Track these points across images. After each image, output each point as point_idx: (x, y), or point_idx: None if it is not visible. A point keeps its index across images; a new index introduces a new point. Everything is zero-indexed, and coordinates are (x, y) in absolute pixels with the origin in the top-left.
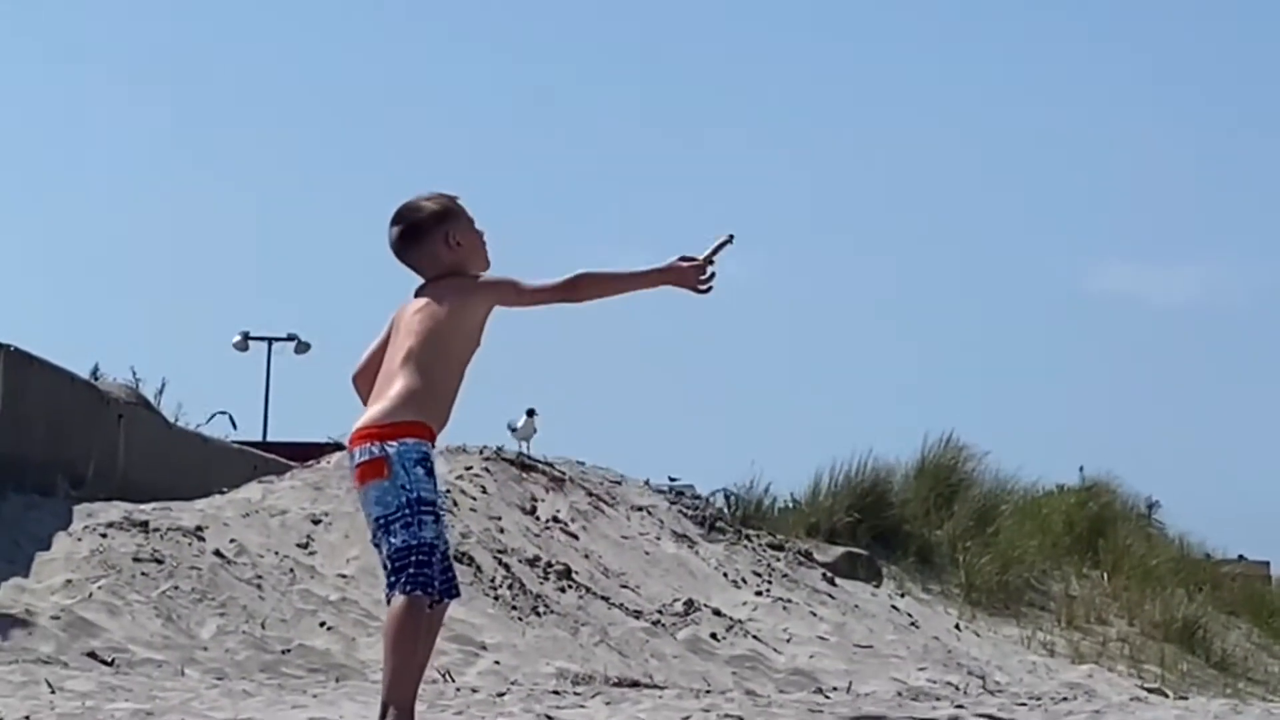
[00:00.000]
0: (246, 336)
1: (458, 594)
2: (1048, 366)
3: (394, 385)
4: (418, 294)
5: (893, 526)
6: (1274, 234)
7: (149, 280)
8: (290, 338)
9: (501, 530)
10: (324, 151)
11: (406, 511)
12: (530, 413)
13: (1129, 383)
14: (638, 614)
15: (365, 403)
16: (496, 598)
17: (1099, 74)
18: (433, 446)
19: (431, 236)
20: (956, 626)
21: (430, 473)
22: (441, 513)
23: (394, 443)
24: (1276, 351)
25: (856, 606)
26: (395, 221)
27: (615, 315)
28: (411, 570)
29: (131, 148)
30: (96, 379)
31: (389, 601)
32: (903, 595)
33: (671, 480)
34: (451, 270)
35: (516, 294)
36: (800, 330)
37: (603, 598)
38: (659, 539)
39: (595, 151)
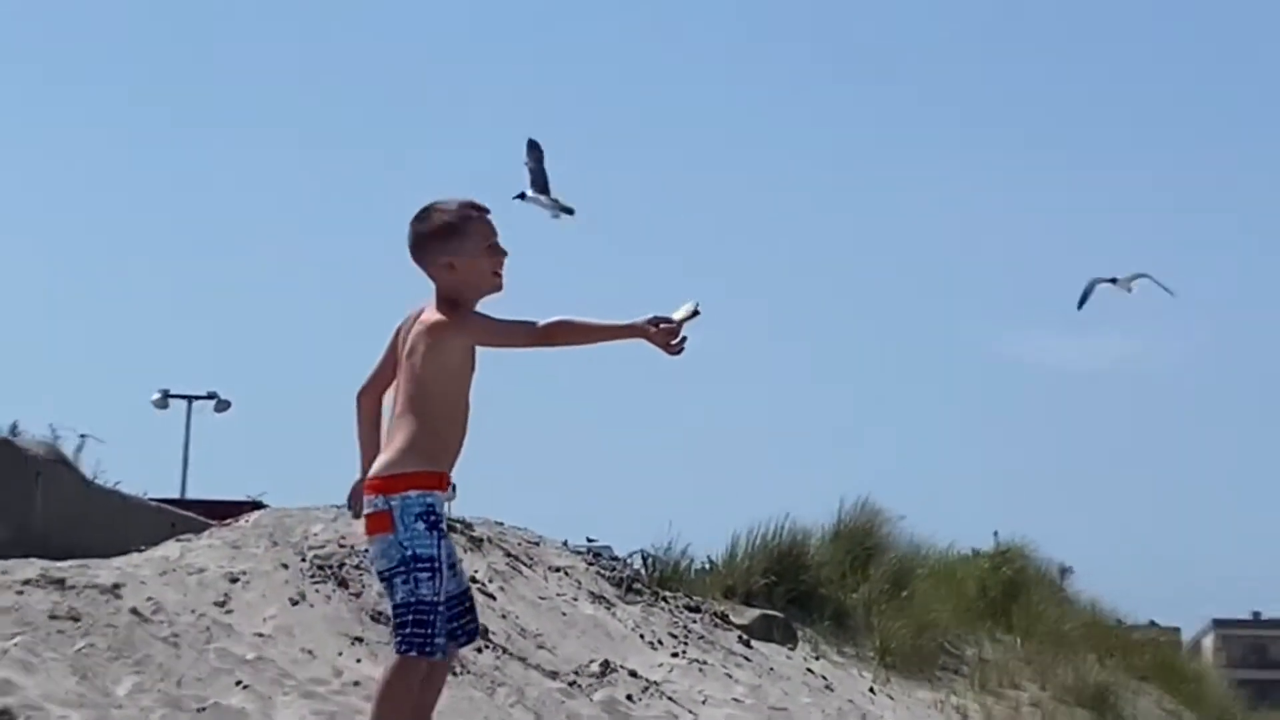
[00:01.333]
0: (166, 394)
1: (473, 637)
2: (963, 431)
3: (397, 434)
4: (421, 314)
5: (809, 590)
6: (1192, 304)
7: (68, 336)
8: (210, 396)
9: None
10: (246, 208)
11: (403, 568)
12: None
13: (1043, 449)
14: (554, 674)
15: (361, 422)
16: None
17: (1012, 143)
18: (442, 493)
19: (430, 255)
20: (871, 690)
21: (432, 526)
22: (442, 566)
23: (397, 496)
24: (1190, 419)
25: (772, 669)
26: (410, 224)
27: (537, 374)
28: (409, 630)
29: (52, 201)
30: (15, 436)
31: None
32: (818, 658)
33: (589, 541)
34: (448, 294)
35: (491, 335)
36: (718, 393)
37: (519, 658)
38: (576, 600)
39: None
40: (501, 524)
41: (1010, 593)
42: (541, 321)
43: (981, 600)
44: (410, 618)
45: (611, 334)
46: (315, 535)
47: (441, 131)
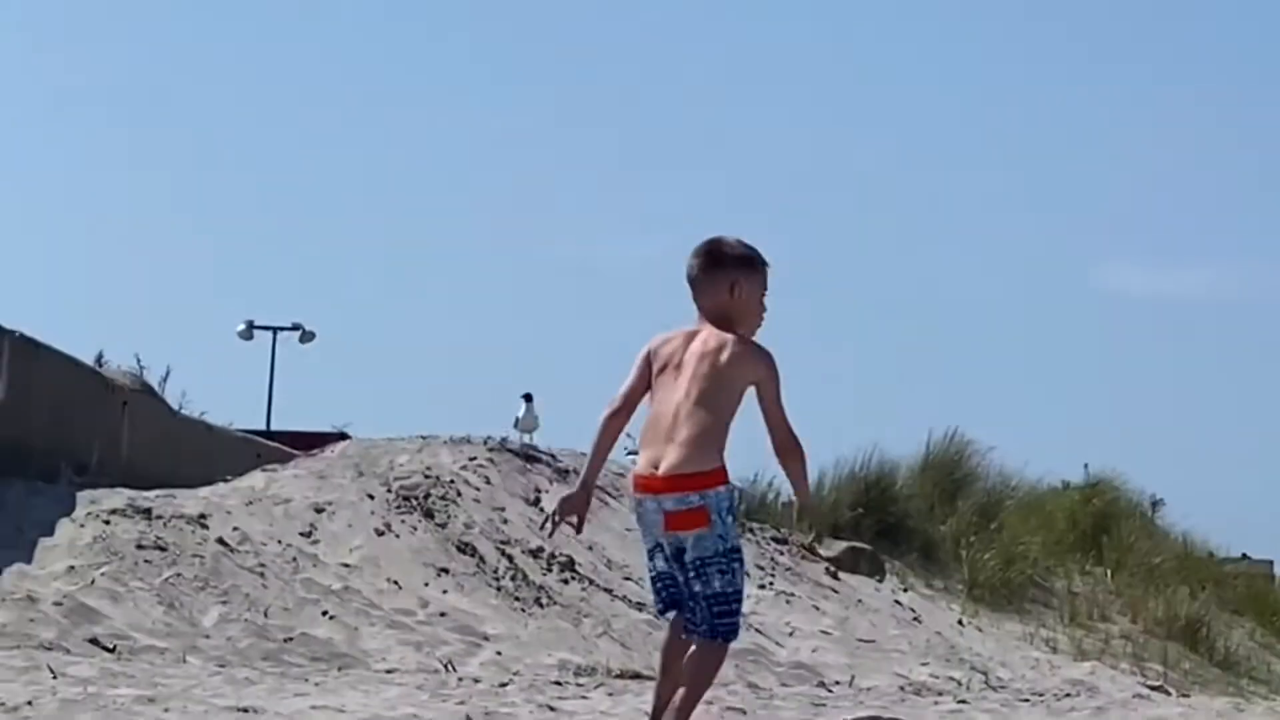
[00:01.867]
0: (251, 325)
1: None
2: (1053, 364)
3: (692, 429)
4: (693, 334)
5: (896, 522)
6: (1273, 232)
7: (154, 268)
8: (295, 327)
9: (505, 521)
10: (329, 142)
11: (723, 560)
12: (527, 398)
13: (1134, 380)
14: (640, 606)
15: (605, 439)
16: (499, 589)
17: (1105, 78)
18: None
19: (724, 275)
20: (959, 622)
21: (736, 518)
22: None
23: (711, 492)
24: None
25: (859, 601)
26: (705, 248)
27: (614, 305)
28: (727, 619)
29: (136, 138)
30: (101, 366)
31: (686, 632)
32: (906, 590)
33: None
34: (724, 316)
35: (775, 398)
36: (807, 324)
37: (606, 590)
38: None
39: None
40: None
41: (1100, 525)
42: (796, 436)
43: (1071, 533)
44: (729, 607)
45: (799, 487)
46: (401, 466)
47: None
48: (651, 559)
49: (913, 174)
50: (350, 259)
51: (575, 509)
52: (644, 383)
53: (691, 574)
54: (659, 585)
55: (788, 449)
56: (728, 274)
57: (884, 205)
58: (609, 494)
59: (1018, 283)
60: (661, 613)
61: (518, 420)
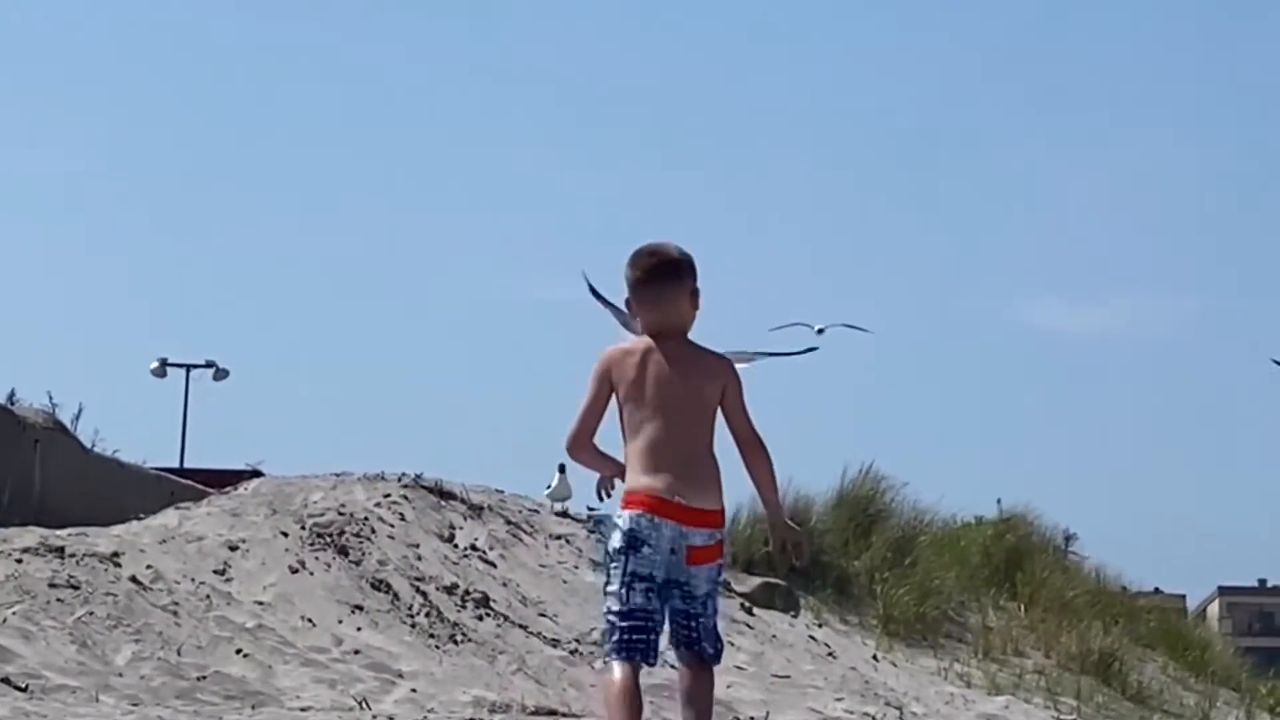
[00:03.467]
0: (164, 363)
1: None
2: (967, 399)
3: (711, 464)
4: (670, 352)
5: (811, 557)
6: (1194, 269)
7: (68, 306)
8: (208, 365)
9: (419, 558)
10: (242, 182)
11: (720, 589)
12: (561, 469)
13: (1048, 415)
14: (555, 642)
15: (590, 460)
16: (414, 625)
17: (1025, 117)
18: None
19: (685, 285)
20: (874, 657)
21: None
22: None
23: (723, 529)
24: (1193, 385)
25: (774, 636)
26: (652, 254)
27: (527, 342)
28: (720, 642)
29: (47, 177)
30: (13, 404)
31: (690, 656)
32: (820, 626)
33: (590, 510)
34: (681, 326)
35: (732, 410)
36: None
37: (520, 626)
38: (577, 567)
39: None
40: (502, 492)
41: (1014, 560)
42: (760, 440)
43: (985, 567)
44: (721, 629)
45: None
46: (315, 503)
47: (430, 114)
48: (629, 593)
49: (829, 208)
50: (264, 297)
51: (618, 473)
52: (603, 404)
53: (700, 605)
54: (633, 624)
55: (762, 451)
56: (686, 284)
57: (802, 237)
58: (523, 530)
59: (935, 317)
60: (629, 658)
61: (550, 488)
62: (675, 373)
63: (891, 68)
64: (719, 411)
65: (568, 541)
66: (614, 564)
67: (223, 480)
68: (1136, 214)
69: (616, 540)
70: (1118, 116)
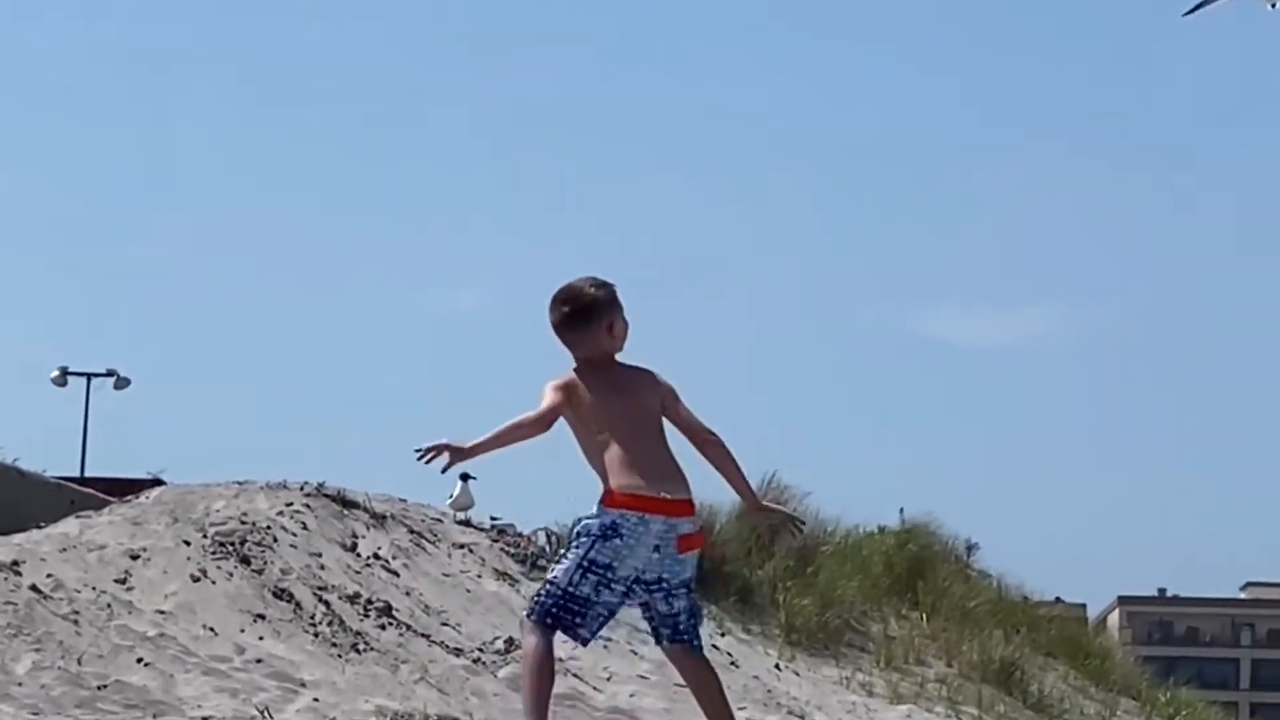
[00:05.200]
0: (65, 372)
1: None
2: (871, 408)
3: (677, 466)
4: (607, 376)
5: (713, 567)
6: (1097, 282)
7: None
8: (110, 373)
9: (322, 567)
10: (144, 191)
11: (695, 579)
12: (464, 478)
13: (950, 425)
14: (458, 651)
15: (510, 440)
16: (316, 634)
17: (934, 128)
18: None
19: (598, 322)
20: (776, 666)
21: None
22: None
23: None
24: (1094, 396)
25: None
26: (565, 301)
27: (433, 352)
28: (700, 625)
29: None
30: None
31: (676, 645)
32: (723, 635)
33: (493, 519)
34: (606, 355)
35: (674, 411)
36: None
37: (423, 635)
38: (480, 577)
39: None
40: (405, 501)
41: (916, 569)
42: (710, 428)
43: (887, 577)
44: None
45: (742, 489)
46: (217, 512)
47: (347, 116)
48: (601, 591)
49: (738, 221)
50: (166, 306)
51: (453, 455)
52: (555, 415)
53: (681, 593)
54: (596, 615)
55: (717, 440)
56: (601, 321)
57: (709, 248)
58: (426, 539)
59: (837, 327)
60: (585, 641)
61: (452, 497)
62: (619, 391)
63: (799, 79)
64: (667, 416)
65: (471, 550)
66: (577, 544)
67: (124, 489)
68: (1041, 227)
69: (594, 527)
70: (1028, 128)
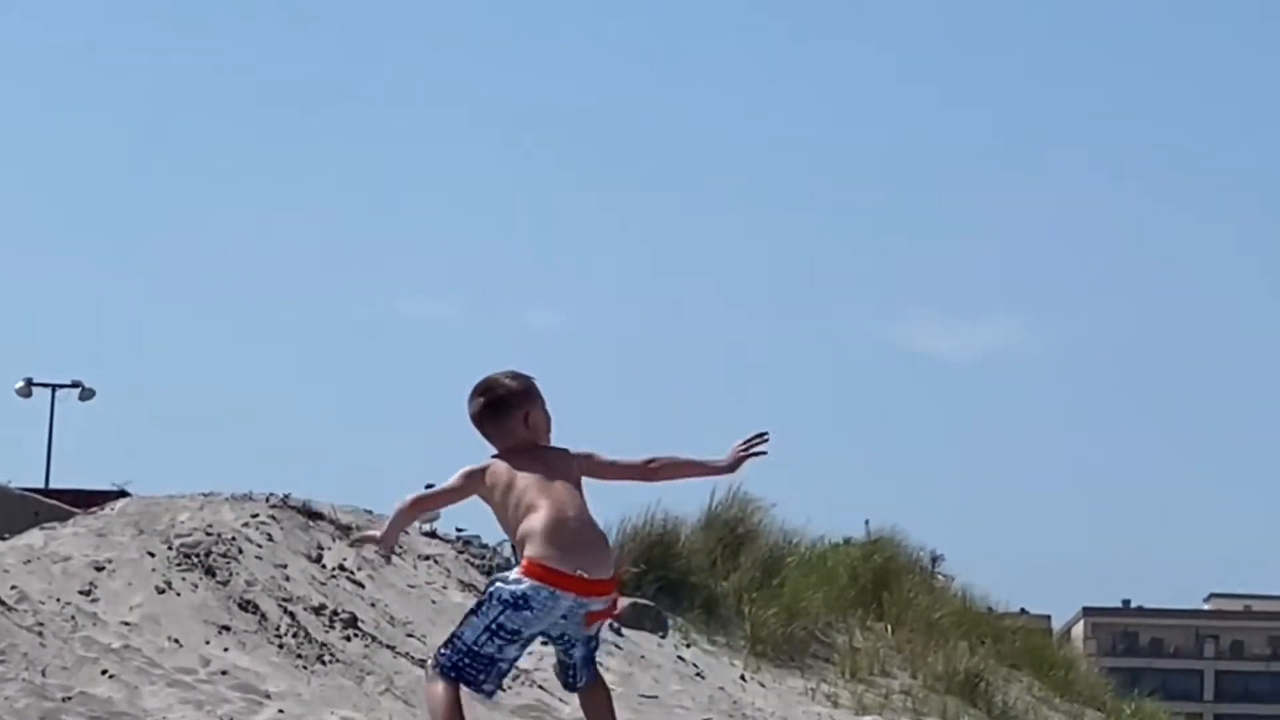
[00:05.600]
0: (30, 383)
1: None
2: (837, 419)
3: (603, 541)
4: (528, 457)
5: (679, 578)
6: (1062, 295)
7: None
8: (75, 385)
9: (287, 578)
10: (109, 203)
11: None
12: (429, 489)
13: (916, 437)
14: (423, 663)
15: (410, 521)
16: (281, 646)
17: (907, 138)
18: None
19: (513, 414)
20: (742, 678)
21: None
22: None
23: (616, 592)
24: (1060, 408)
25: (642, 657)
26: (481, 394)
27: (399, 362)
28: (596, 657)
29: None
30: None
31: (583, 687)
32: (689, 646)
33: (459, 530)
34: (529, 442)
35: (602, 470)
36: (587, 376)
37: (389, 646)
38: (445, 588)
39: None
40: (370, 512)
41: (881, 581)
42: (640, 458)
43: (852, 588)
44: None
45: (705, 470)
46: (182, 523)
47: (311, 122)
48: (505, 649)
49: (706, 227)
50: (131, 317)
51: (381, 549)
52: (457, 497)
53: (591, 647)
54: (499, 670)
55: (651, 467)
56: (515, 413)
57: (687, 257)
58: (392, 551)
59: (805, 336)
60: (491, 694)
61: None
62: (544, 469)
63: (776, 92)
64: (598, 477)
65: (436, 562)
66: (488, 606)
67: (89, 500)
68: (1010, 240)
69: (506, 594)
70: (1007, 141)
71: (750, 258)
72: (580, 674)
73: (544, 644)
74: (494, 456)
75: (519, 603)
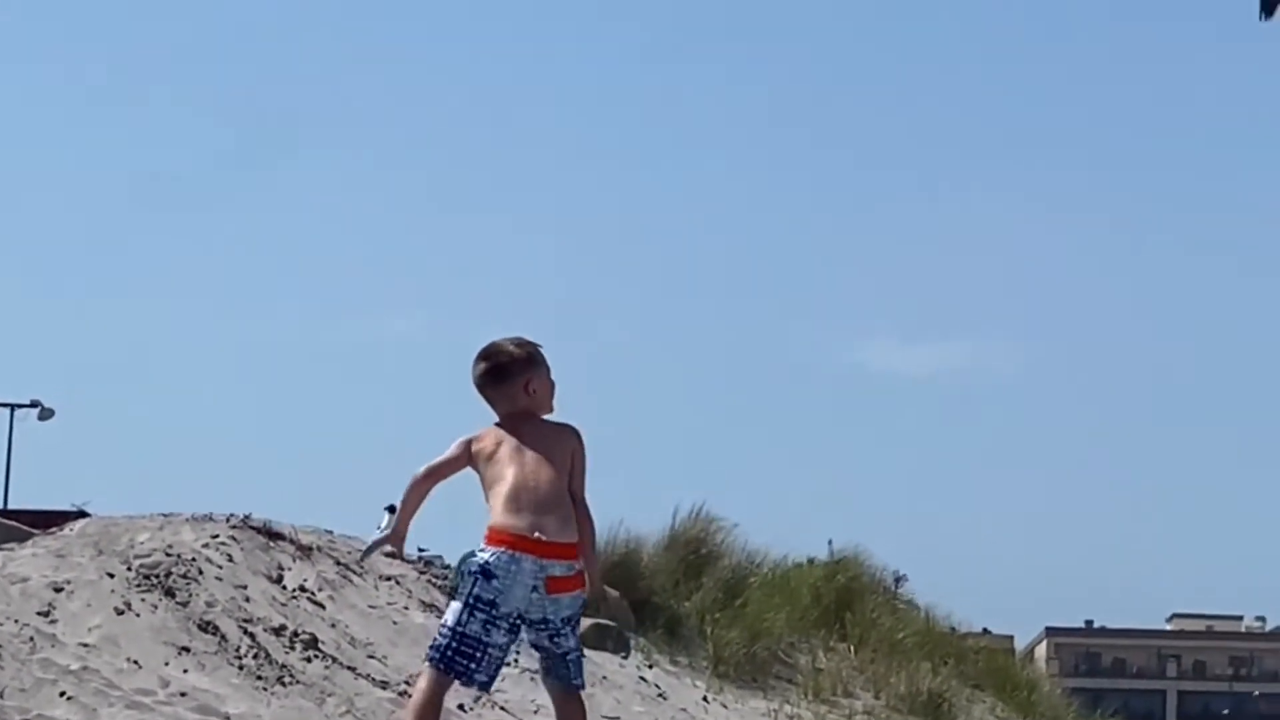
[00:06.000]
0: None
1: None
2: (800, 438)
3: (565, 509)
4: (521, 427)
5: (641, 598)
6: (1021, 314)
7: None
8: (33, 404)
9: (247, 599)
10: (68, 219)
11: (580, 618)
12: (390, 509)
13: (879, 457)
14: (384, 684)
15: (417, 495)
16: (241, 667)
17: (864, 156)
18: None
19: (514, 381)
20: (705, 699)
21: None
22: None
23: (580, 561)
24: (1022, 428)
25: (605, 678)
26: (484, 358)
27: (363, 380)
28: (582, 664)
29: None
30: None
31: (561, 686)
32: (651, 667)
33: (420, 550)
34: (527, 411)
35: (573, 476)
36: (563, 396)
37: (349, 668)
38: (407, 609)
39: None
40: (331, 533)
41: (844, 601)
42: (585, 509)
43: (815, 609)
44: (583, 655)
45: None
46: (141, 544)
47: (280, 144)
48: (490, 631)
49: (669, 250)
50: (90, 336)
51: (394, 545)
52: (456, 466)
53: (563, 632)
54: (489, 658)
55: (587, 515)
56: (517, 380)
57: (642, 277)
58: (353, 571)
59: (768, 358)
60: (485, 687)
61: (380, 529)
62: (527, 439)
63: (733, 114)
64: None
65: (397, 583)
66: (464, 587)
67: (48, 521)
68: (972, 260)
69: (474, 565)
70: (965, 161)
71: (711, 278)
72: (574, 667)
73: (533, 646)
74: (495, 424)
75: (486, 571)
